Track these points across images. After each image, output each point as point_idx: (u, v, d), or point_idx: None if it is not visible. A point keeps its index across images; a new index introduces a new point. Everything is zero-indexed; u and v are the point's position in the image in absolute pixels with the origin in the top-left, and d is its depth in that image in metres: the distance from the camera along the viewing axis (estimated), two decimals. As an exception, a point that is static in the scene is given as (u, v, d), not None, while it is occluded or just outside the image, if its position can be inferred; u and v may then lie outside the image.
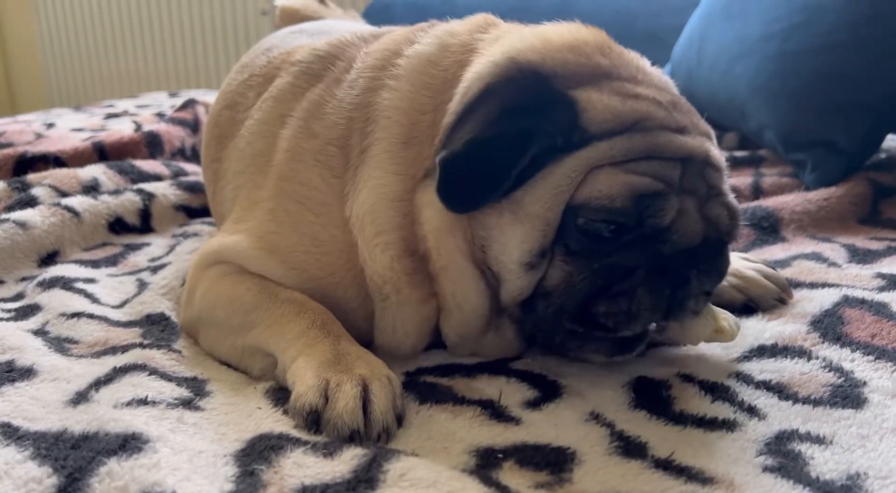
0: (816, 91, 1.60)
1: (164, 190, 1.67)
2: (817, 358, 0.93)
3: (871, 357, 0.92)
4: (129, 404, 0.84)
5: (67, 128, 2.45)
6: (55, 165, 1.86)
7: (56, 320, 1.10)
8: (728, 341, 0.95)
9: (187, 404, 0.86)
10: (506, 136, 0.85)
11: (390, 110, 0.97)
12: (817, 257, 1.28)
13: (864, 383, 0.87)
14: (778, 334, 1.00)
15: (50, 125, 2.50)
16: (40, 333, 1.07)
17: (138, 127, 2.32)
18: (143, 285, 1.26)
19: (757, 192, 1.63)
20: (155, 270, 1.33)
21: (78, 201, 1.52)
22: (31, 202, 1.54)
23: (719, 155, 0.92)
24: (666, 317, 0.88)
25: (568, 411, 0.85)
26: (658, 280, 0.85)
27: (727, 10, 1.93)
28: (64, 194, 1.61)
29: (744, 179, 1.68)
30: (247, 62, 1.36)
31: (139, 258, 1.43)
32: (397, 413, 0.81)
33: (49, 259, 1.40)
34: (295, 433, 0.78)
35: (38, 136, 2.27)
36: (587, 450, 0.76)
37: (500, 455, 0.75)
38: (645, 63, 0.96)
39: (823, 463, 0.73)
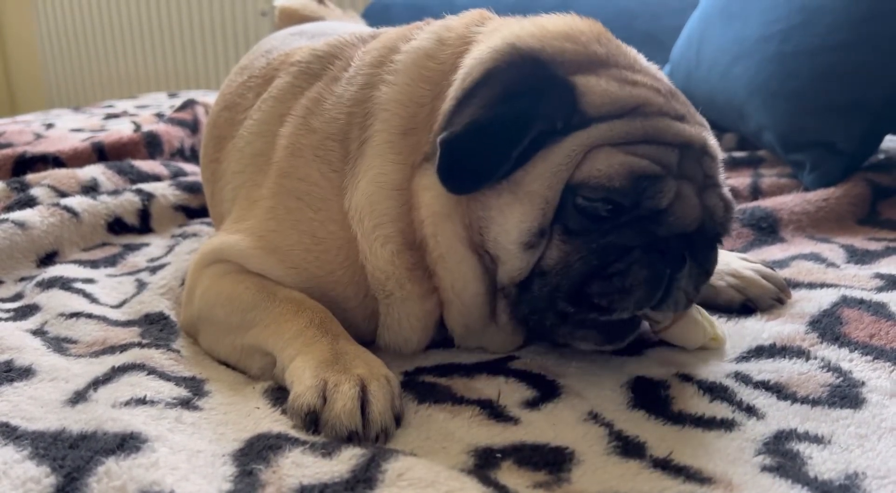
0: (815, 92, 1.60)
1: (163, 190, 1.67)
2: (816, 358, 0.93)
3: (869, 357, 0.92)
4: (127, 403, 0.84)
5: (67, 128, 2.45)
6: (54, 166, 1.86)
7: (55, 320, 1.10)
8: (719, 348, 0.98)
9: (186, 403, 0.86)
10: (506, 118, 0.86)
11: (389, 103, 0.97)
12: (816, 258, 1.29)
13: (863, 383, 0.87)
14: (776, 335, 1.00)
15: (49, 126, 2.50)
16: (39, 333, 1.07)
17: (137, 127, 2.32)
18: (141, 285, 1.26)
19: (756, 192, 1.63)
20: (154, 270, 1.33)
21: (77, 202, 1.52)
22: (31, 202, 1.54)
23: (716, 145, 0.93)
24: (663, 299, 0.87)
25: (566, 410, 0.85)
26: (653, 259, 0.85)
27: (726, 11, 1.93)
28: (63, 195, 1.61)
29: (743, 180, 1.68)
30: (246, 64, 1.36)
31: (138, 258, 1.43)
32: (395, 413, 0.81)
33: (48, 259, 1.40)
34: (293, 432, 0.78)
35: (38, 136, 2.27)
36: (585, 450, 0.76)
37: (499, 455, 0.75)
38: (641, 57, 0.98)
39: (822, 463, 0.73)
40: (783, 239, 1.40)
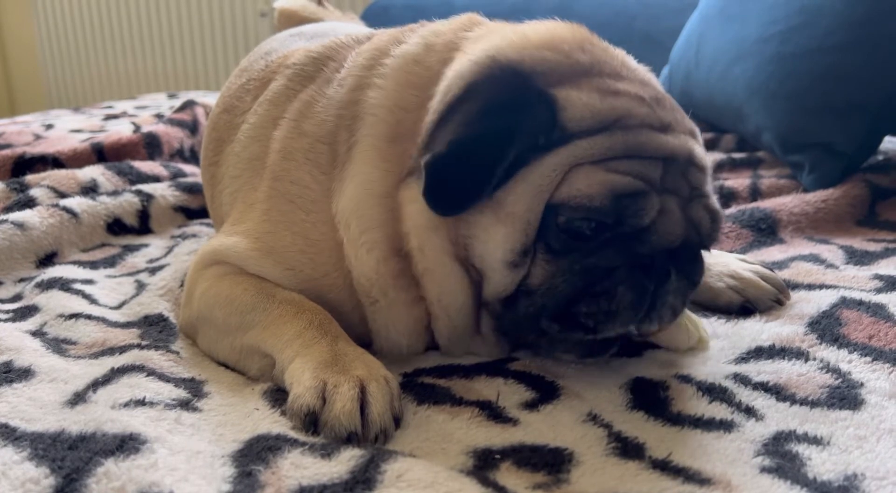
0: (814, 93, 1.60)
1: (162, 191, 1.67)
2: (815, 359, 0.93)
3: (868, 358, 0.92)
4: (126, 404, 0.84)
5: (66, 129, 2.45)
6: (54, 166, 1.86)
7: (54, 321, 1.10)
8: (705, 350, 0.99)
9: (185, 404, 0.86)
10: (487, 135, 0.85)
11: (376, 108, 0.97)
12: (815, 259, 1.29)
13: (862, 385, 0.87)
14: (775, 336, 1.00)
15: (49, 126, 2.50)
16: (38, 334, 1.07)
17: (137, 128, 2.32)
18: (141, 287, 1.26)
19: (755, 193, 1.63)
20: (153, 271, 1.33)
21: (76, 202, 1.52)
22: (30, 203, 1.54)
23: (703, 154, 0.91)
24: (647, 315, 0.87)
25: (566, 411, 0.85)
26: (639, 279, 0.85)
27: (725, 12, 1.93)
28: (62, 195, 1.61)
29: (742, 181, 1.68)
30: (245, 66, 1.36)
31: (137, 259, 1.43)
32: (395, 414, 0.81)
33: (47, 260, 1.40)
34: (293, 433, 0.78)
35: (37, 137, 2.27)
36: (585, 451, 0.76)
37: (498, 456, 0.75)
38: (630, 60, 0.96)
39: (821, 464, 0.73)
40: (782, 240, 1.40)
